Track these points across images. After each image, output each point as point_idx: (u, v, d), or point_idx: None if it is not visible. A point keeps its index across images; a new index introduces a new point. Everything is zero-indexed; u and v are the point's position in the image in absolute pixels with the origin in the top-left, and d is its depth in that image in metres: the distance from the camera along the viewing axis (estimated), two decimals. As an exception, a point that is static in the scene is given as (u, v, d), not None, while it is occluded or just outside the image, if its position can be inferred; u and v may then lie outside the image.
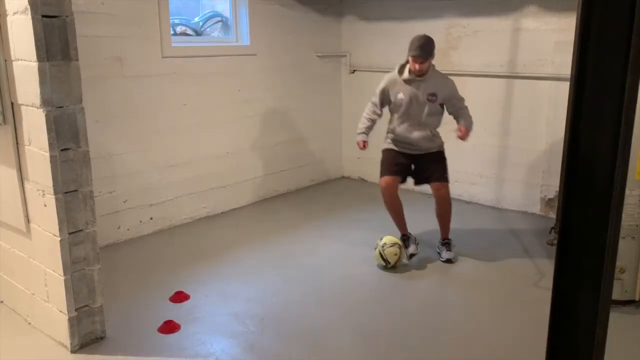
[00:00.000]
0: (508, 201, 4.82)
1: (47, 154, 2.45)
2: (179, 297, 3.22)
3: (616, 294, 2.95)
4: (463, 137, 3.64)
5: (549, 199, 4.58)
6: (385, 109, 3.85)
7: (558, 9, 4.25)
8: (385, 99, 3.78)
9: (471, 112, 3.88)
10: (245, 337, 2.84)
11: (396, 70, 3.74)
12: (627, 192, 2.82)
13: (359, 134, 3.81)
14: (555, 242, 3.33)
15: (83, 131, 2.55)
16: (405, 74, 3.66)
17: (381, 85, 3.80)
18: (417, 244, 3.76)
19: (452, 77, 3.72)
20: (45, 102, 2.41)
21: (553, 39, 4.31)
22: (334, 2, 5.49)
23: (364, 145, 3.79)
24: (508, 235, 4.22)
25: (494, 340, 2.80)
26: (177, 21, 4.61)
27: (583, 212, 0.91)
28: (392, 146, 3.81)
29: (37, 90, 2.39)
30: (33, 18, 2.32)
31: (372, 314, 3.09)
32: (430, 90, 3.65)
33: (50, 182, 2.48)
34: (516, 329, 2.91)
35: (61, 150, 2.48)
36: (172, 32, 4.31)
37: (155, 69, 4.14)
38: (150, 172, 4.24)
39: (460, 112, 3.74)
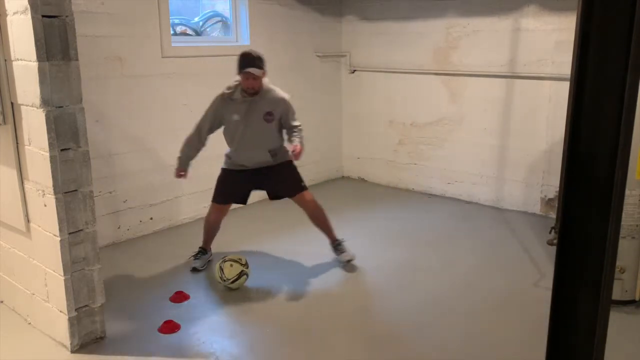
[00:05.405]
0: (508, 201, 4.82)
1: (47, 154, 2.45)
2: (179, 297, 3.22)
3: (616, 294, 2.95)
4: (298, 156, 3.36)
5: (549, 199, 4.58)
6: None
7: (558, 9, 4.25)
8: (216, 124, 3.44)
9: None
10: (245, 337, 2.84)
11: (227, 90, 3.39)
12: (627, 192, 2.82)
13: (178, 158, 3.51)
14: (555, 242, 3.33)
15: (83, 131, 2.55)
16: (237, 94, 3.35)
17: (211, 107, 3.42)
18: (209, 261, 3.65)
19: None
20: (45, 102, 2.41)
21: (553, 39, 4.31)
22: (334, 2, 5.48)
23: (183, 175, 3.51)
24: (508, 235, 4.21)
25: (494, 340, 2.80)
26: (177, 21, 4.61)
27: (583, 212, 0.91)
28: (230, 166, 3.55)
29: (37, 90, 2.39)
30: (33, 18, 2.32)
31: (372, 313, 3.09)
32: (267, 108, 3.38)
33: (50, 182, 2.48)
34: (516, 329, 2.90)
35: (61, 150, 2.48)
36: (172, 32, 4.31)
37: (155, 68, 4.14)
38: (150, 172, 4.24)
39: (294, 133, 3.46)
